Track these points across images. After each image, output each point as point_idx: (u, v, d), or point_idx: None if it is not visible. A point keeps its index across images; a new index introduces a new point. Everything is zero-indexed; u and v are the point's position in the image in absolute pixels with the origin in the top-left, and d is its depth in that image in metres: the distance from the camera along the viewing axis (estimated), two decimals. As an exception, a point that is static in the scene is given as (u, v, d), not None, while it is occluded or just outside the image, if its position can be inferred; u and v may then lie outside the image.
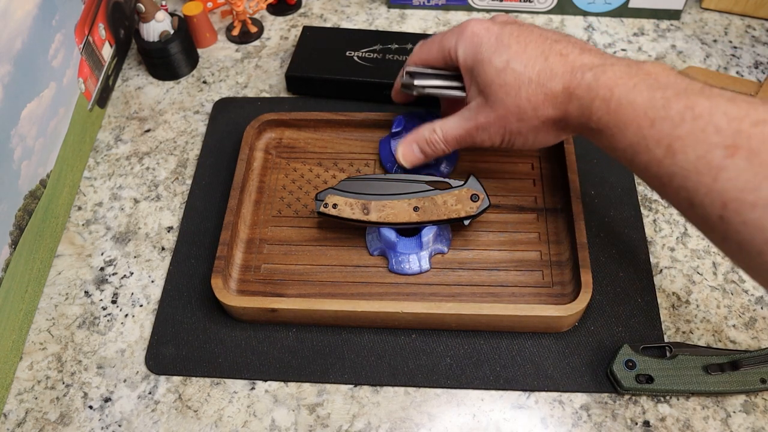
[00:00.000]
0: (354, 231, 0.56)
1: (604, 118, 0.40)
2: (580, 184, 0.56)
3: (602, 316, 0.52)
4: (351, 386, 0.50)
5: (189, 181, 0.62)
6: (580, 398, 0.49)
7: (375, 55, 0.67)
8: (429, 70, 0.52)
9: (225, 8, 0.76)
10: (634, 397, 0.48)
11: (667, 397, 0.48)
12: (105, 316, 0.54)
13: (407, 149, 0.53)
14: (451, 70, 0.51)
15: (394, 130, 0.58)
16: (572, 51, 0.43)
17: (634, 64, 0.41)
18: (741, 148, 0.33)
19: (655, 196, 0.59)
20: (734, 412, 0.47)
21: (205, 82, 0.71)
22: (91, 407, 0.50)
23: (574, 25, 0.73)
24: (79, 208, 0.61)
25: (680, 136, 0.36)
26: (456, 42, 0.48)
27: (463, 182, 0.53)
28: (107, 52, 0.68)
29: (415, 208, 0.52)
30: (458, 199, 0.52)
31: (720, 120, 0.34)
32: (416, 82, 0.51)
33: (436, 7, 0.76)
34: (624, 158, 0.40)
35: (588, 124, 0.41)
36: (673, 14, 0.73)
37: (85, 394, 0.50)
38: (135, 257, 0.58)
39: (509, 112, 0.45)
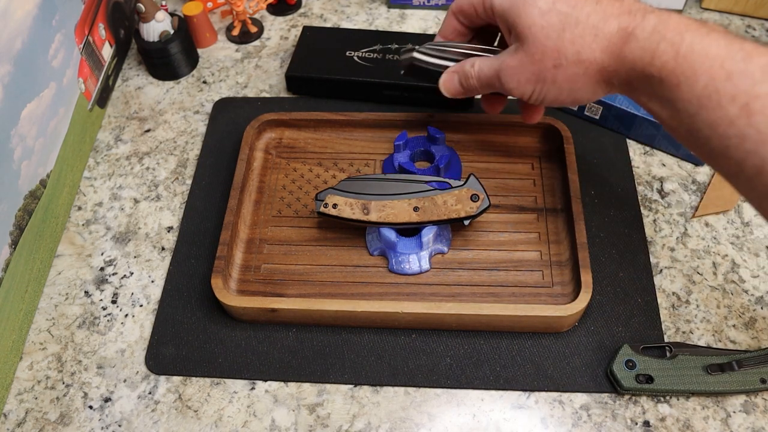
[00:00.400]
0: (354, 231, 0.56)
1: (669, 64, 0.35)
2: (580, 184, 0.56)
3: (602, 316, 0.52)
4: (351, 386, 0.50)
5: (189, 181, 0.62)
6: (580, 398, 0.49)
7: (375, 55, 0.67)
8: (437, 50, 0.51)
9: (225, 8, 0.76)
10: (634, 397, 0.48)
11: (667, 397, 0.48)
12: (105, 316, 0.54)
13: (449, 78, 0.50)
14: (483, 23, 0.49)
15: (396, 143, 0.58)
16: None
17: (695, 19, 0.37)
18: None
19: (656, 195, 0.59)
20: (734, 412, 0.47)
21: (205, 82, 0.71)
22: (91, 407, 0.50)
23: (574, 25, 0.73)
24: (79, 208, 0.61)
25: (760, 95, 0.32)
26: None
27: (463, 182, 0.53)
28: (107, 52, 0.68)
29: (415, 208, 0.52)
30: (458, 199, 0.52)
31: None
32: (415, 54, 0.51)
33: (436, 7, 0.76)
34: (685, 112, 0.35)
35: (647, 70, 0.37)
36: (673, 14, 0.72)
37: (85, 394, 0.50)
38: (135, 257, 0.58)
39: (546, 56, 0.41)
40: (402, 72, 0.54)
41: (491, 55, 0.48)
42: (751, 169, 0.33)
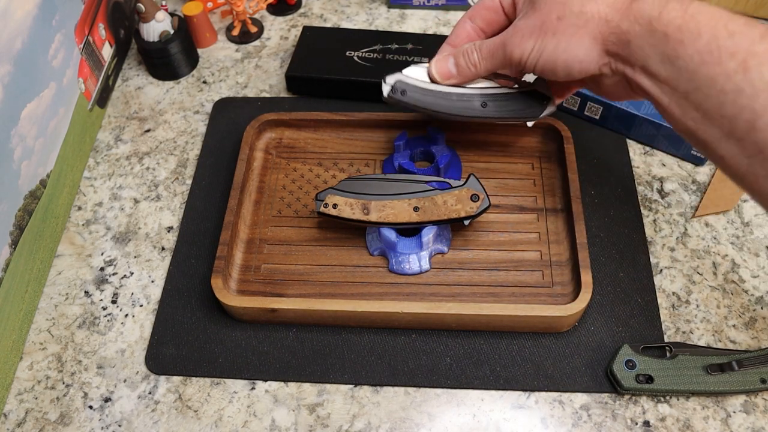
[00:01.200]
0: (354, 231, 0.56)
1: (676, 20, 0.37)
2: (580, 184, 0.56)
3: (602, 316, 0.52)
4: (351, 386, 0.50)
5: (189, 181, 0.62)
6: (580, 398, 0.49)
7: (375, 55, 0.67)
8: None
9: (225, 8, 0.76)
10: (634, 397, 0.48)
11: (667, 397, 0.48)
12: (105, 316, 0.54)
13: (442, 62, 0.51)
14: (503, 21, 0.49)
15: (396, 143, 0.58)
16: None
17: None
18: None
19: (656, 195, 0.59)
20: (734, 412, 0.47)
21: (205, 82, 0.71)
22: (91, 407, 0.50)
23: (574, 25, 0.73)
24: (79, 208, 0.61)
25: (757, 53, 0.35)
26: None
27: (463, 182, 0.53)
28: (107, 52, 0.68)
29: (415, 208, 0.52)
30: (458, 199, 0.52)
31: None
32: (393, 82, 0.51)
33: (436, 7, 0.76)
34: (686, 68, 0.37)
35: (652, 25, 0.38)
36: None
37: (85, 394, 0.50)
38: (135, 257, 0.58)
39: (552, 8, 0.43)
40: (387, 97, 0.53)
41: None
42: (744, 124, 0.35)
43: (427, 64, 0.52)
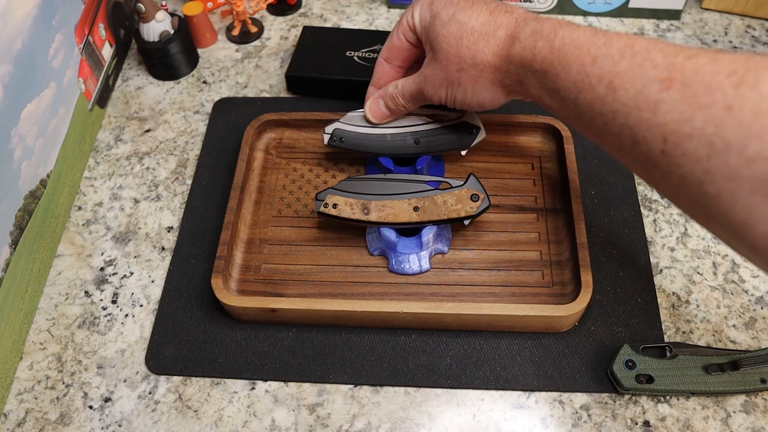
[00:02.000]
0: (354, 231, 0.56)
1: (548, 58, 0.40)
2: (580, 184, 0.56)
3: (602, 316, 0.52)
4: (351, 386, 0.50)
5: (189, 181, 0.62)
6: (580, 398, 0.49)
7: (375, 55, 0.67)
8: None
9: (225, 8, 0.76)
10: (634, 397, 0.48)
11: (667, 397, 0.48)
12: (105, 316, 0.54)
13: (374, 104, 0.55)
14: (415, 55, 0.53)
15: None
16: (518, 10, 0.45)
17: None
18: (675, 80, 0.34)
19: (656, 195, 0.59)
20: (734, 412, 0.47)
21: (205, 82, 0.71)
22: (91, 407, 0.50)
23: (574, 25, 0.73)
24: (79, 208, 0.61)
25: (619, 72, 0.36)
26: (413, 10, 0.50)
27: (463, 182, 0.53)
28: (107, 52, 0.68)
29: (415, 208, 0.52)
30: (458, 199, 0.52)
31: (656, 56, 0.35)
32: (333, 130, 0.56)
33: (436, 7, 0.76)
34: (568, 98, 0.40)
35: (531, 66, 0.41)
36: (673, 14, 0.73)
37: (85, 394, 0.50)
38: (135, 257, 0.58)
39: (450, 62, 0.46)
40: (326, 144, 0.57)
41: (407, 77, 0.52)
42: (628, 140, 0.37)
43: (362, 111, 0.57)
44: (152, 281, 0.56)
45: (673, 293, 0.53)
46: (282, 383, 0.50)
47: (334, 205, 0.53)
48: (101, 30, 0.67)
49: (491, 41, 0.44)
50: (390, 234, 0.53)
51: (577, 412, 0.48)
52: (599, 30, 0.39)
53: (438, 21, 0.47)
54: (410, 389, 0.50)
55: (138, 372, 0.51)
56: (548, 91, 0.42)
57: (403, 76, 0.54)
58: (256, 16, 0.77)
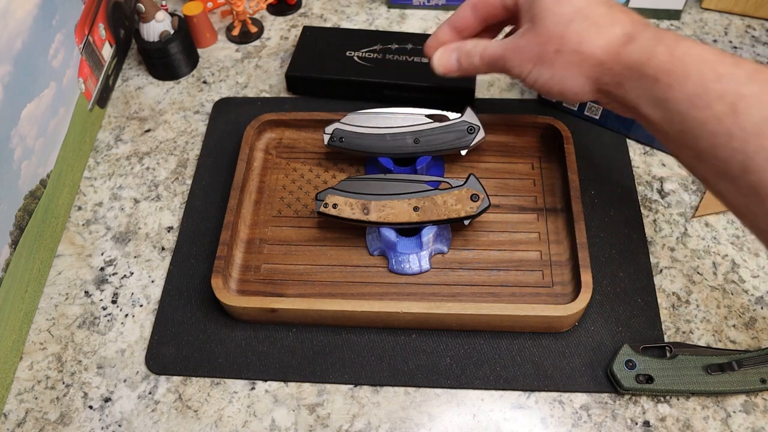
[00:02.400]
0: (354, 231, 0.56)
1: (665, 65, 0.38)
2: (580, 184, 0.56)
3: (602, 316, 0.52)
4: (351, 386, 0.50)
5: (189, 181, 0.62)
6: (580, 398, 0.49)
7: (375, 55, 0.67)
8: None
9: (225, 8, 0.76)
10: (634, 397, 0.48)
11: (667, 397, 0.48)
12: (105, 316, 0.54)
13: (445, 54, 0.52)
14: (502, 17, 0.50)
15: None
16: (635, 13, 0.43)
17: None
18: None
19: (656, 195, 0.59)
20: (734, 412, 0.47)
21: (205, 82, 0.71)
22: (91, 407, 0.50)
23: (574, 25, 0.73)
24: (79, 208, 0.61)
25: (746, 95, 0.34)
26: None
27: (463, 182, 0.53)
28: (107, 52, 0.68)
29: (415, 208, 0.52)
30: (458, 199, 0.52)
31: None
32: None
33: (436, 7, 0.76)
34: (676, 111, 0.37)
35: (642, 69, 0.39)
36: (673, 14, 0.73)
37: (85, 394, 0.50)
38: (135, 257, 0.58)
39: (551, 40, 0.43)
40: (326, 144, 0.57)
41: (492, 41, 0.49)
42: (737, 166, 0.35)
43: (362, 112, 0.57)
44: (152, 281, 0.56)
45: (673, 293, 0.53)
46: (282, 383, 0.50)
47: (334, 205, 0.53)
48: (101, 30, 0.67)
49: (604, 34, 0.42)
50: (390, 234, 0.53)
51: (577, 412, 0.48)
52: (726, 51, 0.38)
53: None
54: (410, 389, 0.50)
55: (138, 372, 0.51)
56: (653, 100, 0.39)
57: (478, 36, 0.52)
58: (256, 16, 0.77)
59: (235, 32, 0.74)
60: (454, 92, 0.64)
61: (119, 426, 0.49)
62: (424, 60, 0.65)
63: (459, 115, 0.56)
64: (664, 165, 0.61)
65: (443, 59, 0.52)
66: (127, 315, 0.54)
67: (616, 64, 0.41)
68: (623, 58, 0.40)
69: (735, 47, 0.70)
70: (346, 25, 0.75)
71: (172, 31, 0.68)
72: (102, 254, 0.58)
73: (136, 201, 0.62)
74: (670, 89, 0.38)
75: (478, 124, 0.56)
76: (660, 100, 0.39)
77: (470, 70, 0.51)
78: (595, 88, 0.44)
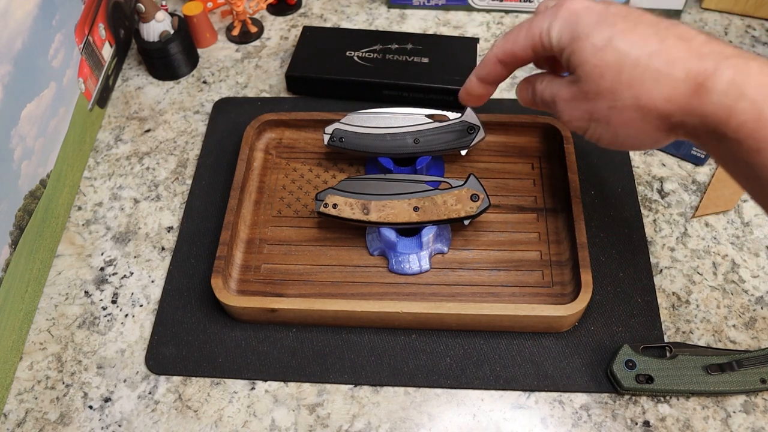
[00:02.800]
0: (354, 231, 0.56)
1: (749, 126, 0.31)
2: (580, 184, 0.56)
3: (602, 316, 0.52)
4: (351, 386, 0.50)
5: (189, 181, 0.62)
6: (580, 398, 0.49)
7: (375, 55, 0.67)
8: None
9: (225, 8, 0.76)
10: (634, 397, 0.48)
11: (667, 397, 0.48)
12: (105, 316, 0.54)
13: (524, 88, 0.46)
14: (539, 62, 0.46)
15: None
16: (695, 36, 0.35)
17: None
18: None
19: (656, 195, 0.59)
20: (734, 412, 0.47)
21: (205, 82, 0.71)
22: (91, 407, 0.50)
23: (574, 25, 0.73)
24: (79, 208, 0.61)
25: None
26: (549, 23, 0.39)
27: (463, 182, 0.53)
28: (107, 52, 0.68)
29: (415, 208, 0.52)
30: (458, 199, 0.52)
31: None
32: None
33: (436, 7, 0.76)
34: (764, 176, 0.32)
35: (720, 130, 0.33)
36: (673, 14, 0.73)
37: (85, 394, 0.50)
38: (135, 257, 0.58)
39: (601, 96, 0.37)
40: (326, 144, 0.57)
41: (558, 79, 0.43)
42: None
43: (362, 112, 0.57)
44: (152, 281, 0.56)
45: (673, 293, 0.53)
46: (282, 383, 0.50)
47: (334, 205, 0.53)
48: (101, 30, 0.67)
49: (664, 82, 0.34)
50: (390, 234, 0.53)
51: (577, 412, 0.48)
52: None
53: (587, 45, 0.37)
54: (410, 389, 0.50)
55: (138, 372, 0.51)
56: (737, 162, 0.33)
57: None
58: (256, 16, 0.77)
59: (235, 32, 0.74)
60: (454, 92, 0.63)
61: (119, 426, 0.49)
62: (424, 60, 0.65)
63: (459, 115, 0.56)
64: (664, 165, 0.61)
65: (523, 92, 0.46)
66: (127, 315, 0.54)
67: (688, 118, 0.34)
68: (694, 113, 0.34)
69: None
70: (346, 25, 0.75)
71: (172, 31, 0.68)
72: (102, 254, 0.58)
73: (136, 201, 0.62)
74: (757, 154, 0.32)
75: (478, 124, 0.56)
76: (745, 163, 0.33)
77: (540, 104, 0.45)
78: (672, 136, 0.37)
